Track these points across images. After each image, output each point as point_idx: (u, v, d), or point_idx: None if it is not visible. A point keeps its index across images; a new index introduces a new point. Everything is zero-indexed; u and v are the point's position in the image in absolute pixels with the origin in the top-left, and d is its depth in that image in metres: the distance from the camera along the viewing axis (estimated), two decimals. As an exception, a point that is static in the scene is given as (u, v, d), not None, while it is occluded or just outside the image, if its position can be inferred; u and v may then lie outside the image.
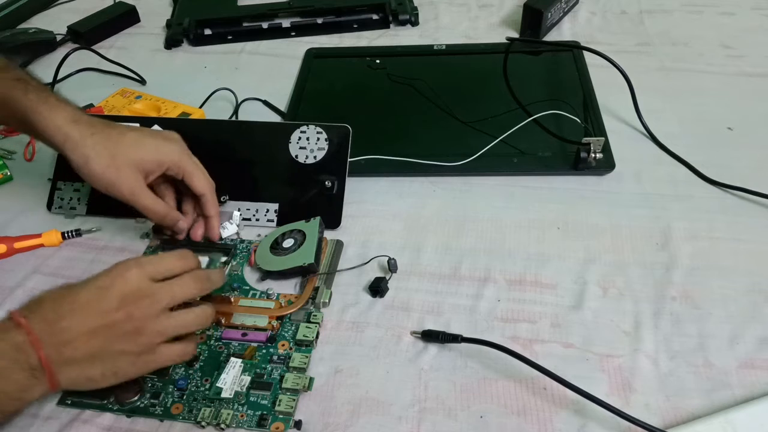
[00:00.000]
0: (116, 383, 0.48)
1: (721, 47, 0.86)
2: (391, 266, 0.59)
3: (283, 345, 0.54)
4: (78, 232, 0.65)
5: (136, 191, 0.57)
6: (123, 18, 1.00)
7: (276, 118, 0.79)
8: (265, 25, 0.96)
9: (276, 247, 0.60)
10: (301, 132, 0.66)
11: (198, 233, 0.63)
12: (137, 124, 0.68)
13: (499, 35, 0.91)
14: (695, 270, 0.58)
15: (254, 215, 0.66)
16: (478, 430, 0.48)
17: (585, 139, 0.66)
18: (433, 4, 0.99)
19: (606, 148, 0.68)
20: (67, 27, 0.97)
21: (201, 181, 0.60)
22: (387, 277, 0.59)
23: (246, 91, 0.82)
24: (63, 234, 0.65)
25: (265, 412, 0.49)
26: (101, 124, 0.58)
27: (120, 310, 0.46)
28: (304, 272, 0.59)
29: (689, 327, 0.54)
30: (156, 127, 0.68)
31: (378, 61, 0.86)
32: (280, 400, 0.49)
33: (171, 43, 0.94)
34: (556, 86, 0.80)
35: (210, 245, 0.63)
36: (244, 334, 0.55)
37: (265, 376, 0.52)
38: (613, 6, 0.96)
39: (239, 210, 0.66)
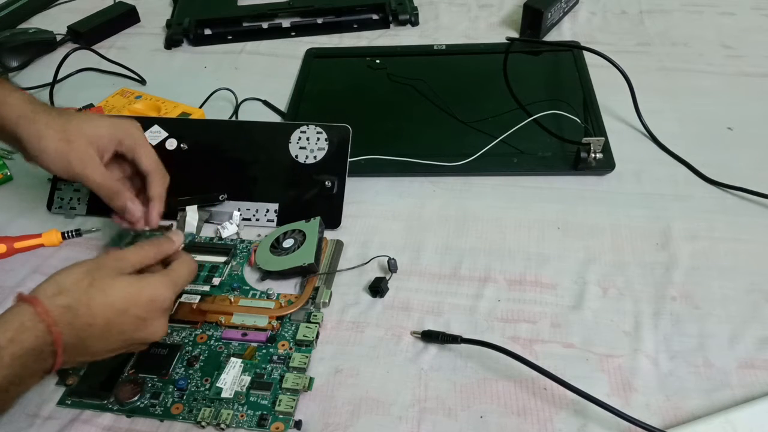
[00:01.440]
0: None
1: (721, 47, 0.86)
2: (391, 266, 0.59)
3: (283, 345, 0.54)
4: (78, 232, 0.65)
5: (87, 166, 0.56)
6: (123, 18, 1.00)
7: (276, 118, 0.79)
8: (265, 25, 0.96)
9: (276, 247, 0.60)
10: (301, 132, 0.66)
11: (153, 220, 0.60)
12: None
13: (499, 35, 0.91)
14: (695, 270, 0.58)
15: (254, 215, 0.66)
16: (478, 430, 0.48)
17: (585, 139, 0.66)
18: (433, 4, 0.99)
19: (606, 148, 0.68)
20: (67, 27, 0.97)
21: (150, 158, 0.59)
22: (387, 277, 0.59)
23: (246, 91, 0.82)
24: (63, 234, 0.65)
25: (265, 412, 0.49)
26: (55, 107, 0.59)
27: (134, 326, 0.47)
28: (304, 272, 0.59)
29: (689, 327, 0.54)
30: (156, 127, 0.68)
31: (378, 61, 0.86)
32: (280, 400, 0.49)
33: (171, 43, 0.94)
34: (556, 86, 0.80)
35: (211, 247, 0.63)
36: (244, 334, 0.55)
37: (265, 376, 0.52)
38: (613, 6, 0.96)
39: (239, 210, 0.66)
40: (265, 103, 0.81)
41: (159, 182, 0.59)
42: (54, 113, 0.57)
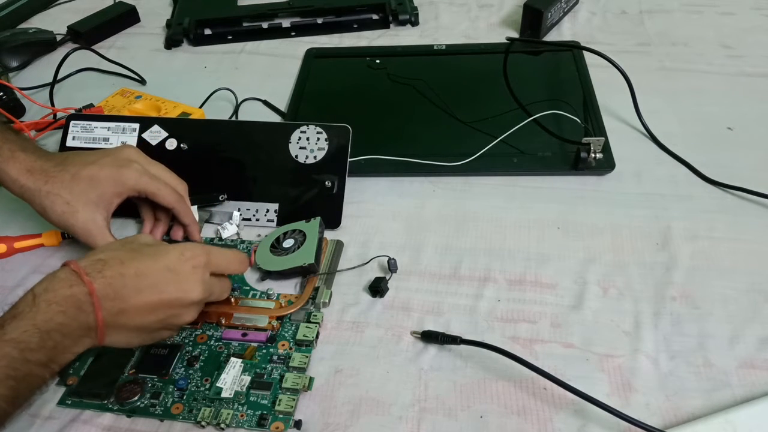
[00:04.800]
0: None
1: (721, 47, 0.86)
2: (391, 266, 0.59)
3: (283, 345, 0.54)
4: (78, 232, 0.65)
5: (90, 235, 0.58)
6: (123, 18, 0.99)
7: (276, 118, 0.79)
8: (265, 25, 0.96)
9: (276, 247, 0.60)
10: (301, 132, 0.66)
11: (178, 235, 0.63)
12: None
13: (499, 35, 0.91)
14: (695, 270, 0.58)
15: (254, 215, 0.66)
16: (478, 430, 0.48)
17: (585, 139, 0.66)
18: (433, 4, 0.99)
19: (606, 148, 0.68)
20: (67, 27, 0.97)
21: (166, 197, 0.60)
22: (387, 277, 0.59)
23: (246, 91, 0.82)
24: (63, 234, 0.65)
25: (265, 412, 0.49)
26: (55, 169, 0.58)
27: (166, 279, 0.48)
28: (304, 272, 0.59)
29: (689, 327, 0.54)
30: (156, 127, 0.68)
31: (378, 61, 0.86)
32: (280, 400, 0.50)
33: (171, 43, 0.94)
34: (556, 86, 0.80)
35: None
36: (244, 334, 0.55)
37: (265, 376, 0.52)
38: (613, 6, 0.96)
39: (239, 210, 0.66)
40: (265, 103, 0.81)
41: (186, 211, 0.62)
42: (54, 179, 0.57)
